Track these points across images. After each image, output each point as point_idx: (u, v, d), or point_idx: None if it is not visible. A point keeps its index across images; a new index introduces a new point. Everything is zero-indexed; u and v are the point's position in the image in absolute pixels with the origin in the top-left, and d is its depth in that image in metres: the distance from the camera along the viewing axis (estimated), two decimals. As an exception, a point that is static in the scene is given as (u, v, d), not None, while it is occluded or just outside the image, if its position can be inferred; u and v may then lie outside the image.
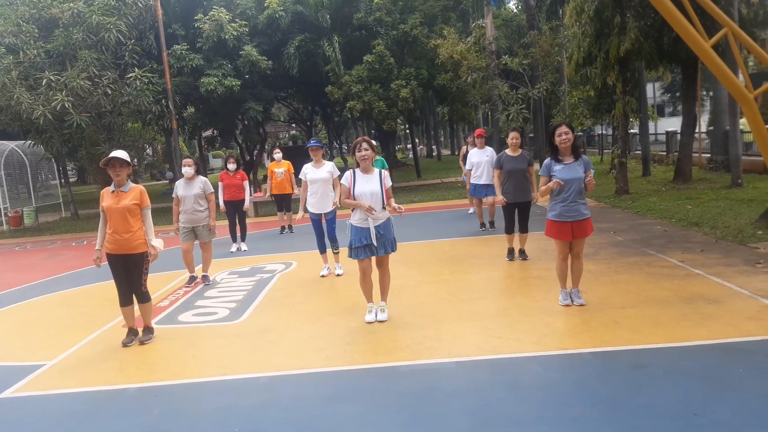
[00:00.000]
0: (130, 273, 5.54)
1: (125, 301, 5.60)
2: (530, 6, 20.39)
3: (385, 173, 5.69)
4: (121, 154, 5.47)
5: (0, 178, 18.51)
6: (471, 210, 12.20)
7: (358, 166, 5.65)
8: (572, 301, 5.71)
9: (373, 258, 5.66)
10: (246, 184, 10.43)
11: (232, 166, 10.33)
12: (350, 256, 5.66)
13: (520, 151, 7.85)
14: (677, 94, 41.38)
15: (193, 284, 7.88)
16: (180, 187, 7.85)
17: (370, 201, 5.48)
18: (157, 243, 5.60)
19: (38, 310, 7.45)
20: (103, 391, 4.58)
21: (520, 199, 7.76)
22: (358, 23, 18.59)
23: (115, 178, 5.46)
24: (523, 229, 7.89)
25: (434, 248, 9.21)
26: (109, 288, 8.18)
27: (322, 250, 7.98)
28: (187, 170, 7.83)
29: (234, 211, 10.33)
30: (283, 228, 12.10)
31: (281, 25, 18.61)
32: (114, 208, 5.42)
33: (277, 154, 11.90)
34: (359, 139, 5.73)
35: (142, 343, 5.59)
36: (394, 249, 5.68)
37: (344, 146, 41.24)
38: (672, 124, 30.97)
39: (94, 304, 7.41)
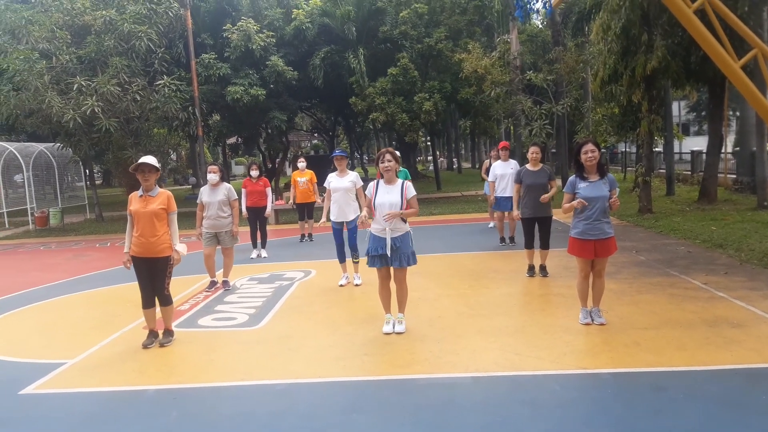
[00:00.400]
0: (154, 276, 5.63)
1: (148, 303, 5.68)
2: (556, 22, 20.34)
3: (408, 184, 5.71)
4: (150, 159, 5.57)
5: (28, 178, 18.91)
6: (491, 224, 12.16)
7: (381, 177, 5.70)
8: (593, 320, 5.65)
9: (391, 268, 5.68)
10: (268, 191, 10.54)
11: (255, 173, 10.45)
12: (368, 264, 5.71)
13: (541, 165, 7.82)
14: (703, 113, 40.90)
15: (213, 289, 7.96)
16: (205, 194, 7.95)
17: (388, 211, 5.51)
18: (181, 248, 5.69)
19: (61, 309, 7.58)
20: (123, 391, 4.64)
21: (540, 214, 7.72)
22: (383, 36, 18.76)
23: (143, 183, 5.56)
24: (545, 246, 7.83)
25: (454, 261, 9.19)
26: (131, 289, 8.32)
27: (342, 260, 8.02)
28: (213, 177, 7.93)
29: (255, 217, 10.43)
30: (303, 236, 12.17)
31: (307, 37, 18.85)
32: (141, 212, 5.52)
33: (301, 163, 12.00)
34: (383, 150, 5.77)
35: (162, 345, 5.66)
36: (411, 263, 5.66)
37: (365, 157, 41.42)
38: (697, 143, 30.62)
39: (116, 305, 7.52)
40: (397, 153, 7.15)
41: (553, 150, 25.73)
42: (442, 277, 8.16)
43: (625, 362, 4.65)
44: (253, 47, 17.48)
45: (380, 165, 5.64)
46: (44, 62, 15.43)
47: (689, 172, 21.16)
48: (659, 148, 22.07)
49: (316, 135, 44.55)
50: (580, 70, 18.02)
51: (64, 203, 21.42)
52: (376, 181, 5.75)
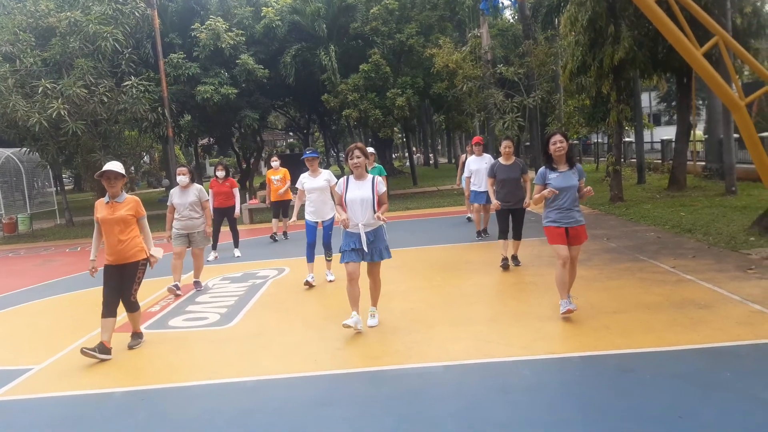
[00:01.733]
0: (123, 282, 5.50)
1: (110, 312, 5.40)
2: (526, 16, 20.51)
3: (379, 179, 5.64)
4: (115, 166, 5.45)
5: (-5, 185, 18.49)
6: (470, 215, 12.21)
7: (351, 172, 5.68)
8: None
9: (365, 264, 5.64)
10: (236, 191, 10.43)
11: (221, 174, 10.34)
12: (341, 260, 5.64)
13: (513, 159, 7.86)
14: (673, 103, 41.63)
15: (176, 295, 7.73)
16: (175, 195, 7.84)
17: (359, 207, 5.48)
18: (156, 252, 5.61)
19: (29, 316, 7.42)
20: (90, 394, 4.55)
21: (513, 206, 7.78)
22: (354, 32, 18.69)
23: (109, 190, 5.44)
24: (517, 236, 7.88)
25: (428, 254, 9.20)
26: (100, 293, 8.19)
27: (310, 259, 7.79)
28: (182, 179, 7.83)
29: (221, 218, 10.33)
30: (274, 234, 12.05)
31: (278, 35, 18.70)
32: (109, 219, 5.40)
33: (275, 162, 11.94)
34: (352, 146, 5.72)
35: (131, 347, 5.57)
36: (385, 256, 5.64)
37: (341, 154, 41.30)
38: (668, 132, 31.11)
39: (83, 309, 7.38)
40: (370, 149, 7.08)
41: (527, 143, 25.94)
42: (416, 269, 8.17)
43: (593, 346, 4.69)
44: (223, 46, 17.29)
45: (350, 161, 5.59)
46: (8, 65, 15.11)
47: (660, 161, 21.50)
48: (630, 138, 22.37)
49: (291, 134, 44.31)
50: (550, 63, 18.20)
51: (34, 209, 21.00)
52: (345, 177, 5.71)
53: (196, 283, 7.94)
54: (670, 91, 38.57)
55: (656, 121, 40.43)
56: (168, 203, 7.95)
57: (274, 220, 12.17)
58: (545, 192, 5.54)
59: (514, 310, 5.91)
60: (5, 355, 5.78)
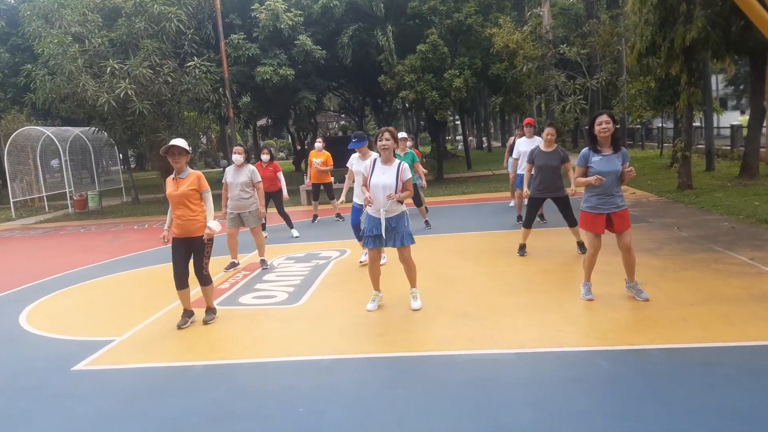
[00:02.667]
0: (192, 256, 5.71)
1: (181, 285, 5.71)
2: (589, -6, 19.84)
3: (404, 165, 5.62)
4: (180, 142, 5.62)
5: (65, 162, 19.32)
6: (511, 203, 12.01)
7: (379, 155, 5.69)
8: (636, 295, 5.56)
9: (394, 249, 5.68)
10: (280, 175, 10.53)
11: (265, 158, 10.41)
12: (363, 244, 5.71)
13: (555, 146, 7.65)
14: (741, 87, 39.63)
15: (233, 270, 8.05)
16: (229, 174, 8.05)
17: (382, 192, 5.50)
18: (213, 225, 5.71)
19: (104, 289, 7.76)
20: (171, 367, 4.74)
21: (552, 194, 7.62)
22: (411, 12, 18.47)
23: (174, 166, 5.62)
24: (572, 223, 7.66)
25: (488, 239, 9.12)
26: (169, 270, 8.49)
27: (360, 239, 7.92)
28: (238, 158, 8.03)
29: (267, 202, 10.47)
30: (315, 217, 12.22)
31: (335, 15, 18.69)
32: (174, 195, 5.61)
33: (318, 143, 12.05)
34: (383, 129, 5.72)
35: (206, 323, 5.76)
36: (407, 242, 5.65)
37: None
38: (734, 118, 29.69)
39: (157, 284, 7.66)
40: (403, 134, 6.93)
41: (587, 127, 25.22)
42: (479, 254, 8.11)
43: (672, 338, 4.56)
44: (282, 26, 17.42)
45: (378, 143, 5.58)
46: (77, 46, 15.64)
47: (728, 147, 20.55)
48: (697, 123, 21.45)
49: (343, 116, 44.49)
50: (614, 44, 17.54)
51: (100, 187, 21.86)
52: (373, 159, 5.69)
53: (263, 261, 8.13)
54: (738, 75, 36.69)
55: (723, 105, 38.59)
56: (222, 181, 8.16)
57: (314, 202, 12.33)
58: (592, 179, 5.35)
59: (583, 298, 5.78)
60: (86, 326, 6.08)
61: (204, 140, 44.34)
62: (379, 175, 5.56)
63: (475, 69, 17.66)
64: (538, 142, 9.81)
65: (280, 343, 5.08)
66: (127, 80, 15.26)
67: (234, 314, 6.05)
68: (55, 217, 17.61)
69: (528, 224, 7.76)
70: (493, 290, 6.28)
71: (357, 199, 7.78)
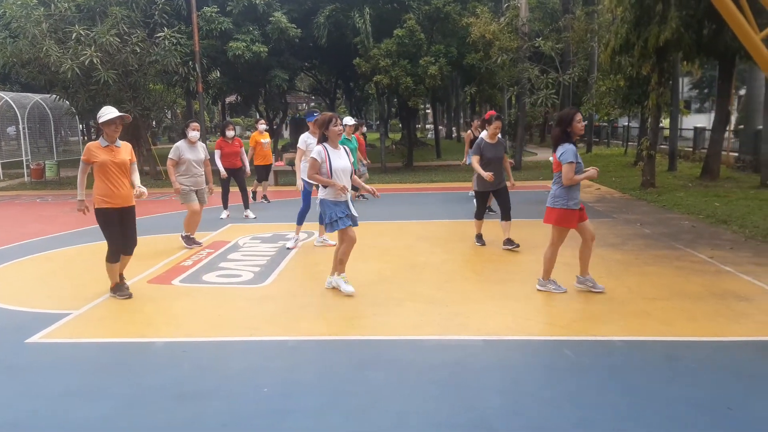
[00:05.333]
0: (128, 224, 5.69)
1: (126, 252, 5.74)
2: (566, -11, 19.95)
3: (348, 149, 5.79)
4: (117, 111, 5.54)
5: (23, 130, 18.60)
6: (471, 193, 12.07)
7: (324, 140, 5.59)
8: (593, 287, 5.65)
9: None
10: (242, 150, 10.35)
11: (230, 134, 10.19)
12: (333, 229, 5.57)
13: (498, 138, 7.63)
14: (705, 90, 40.68)
15: (198, 247, 7.95)
16: (186, 150, 7.82)
17: (344, 176, 5.56)
18: (144, 189, 5.77)
19: (62, 261, 7.51)
20: (132, 342, 4.61)
21: (501, 186, 7.61)
22: (390, -4, 18.31)
23: (113, 135, 5.51)
24: (508, 217, 7.62)
25: (458, 228, 9.15)
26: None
27: (301, 222, 7.94)
28: (196, 134, 7.93)
29: (231, 179, 10.32)
30: (265, 197, 12.20)
31: (312, -7, 18.42)
32: (115, 162, 5.52)
33: (262, 125, 11.89)
34: (332, 114, 5.67)
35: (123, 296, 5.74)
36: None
37: (364, 122, 40.98)
38: (698, 120, 30.49)
39: (118, 258, 7.43)
40: (352, 120, 6.89)
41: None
42: (448, 242, 8.13)
43: (636, 331, 4.64)
44: (257, 2, 17.07)
45: (333, 128, 5.54)
46: (42, 9, 15.04)
47: (691, 149, 21.08)
48: (662, 124, 21.91)
49: (314, 97, 44.02)
50: (588, 40, 17.74)
51: (59, 157, 21.16)
52: (323, 145, 5.57)
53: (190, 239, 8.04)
54: (703, 78, 37.62)
55: (687, 107, 39.54)
56: (172, 156, 7.86)
57: (264, 183, 12.22)
58: (593, 172, 5.43)
59: (551, 289, 5.85)
60: (42, 298, 5.86)
61: (169, 115, 43.30)
62: (337, 160, 5.56)
63: (450, 57, 17.63)
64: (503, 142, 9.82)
65: (245, 323, 4.99)
66: (92, 48, 14.73)
67: (197, 292, 5.92)
68: (10, 185, 16.99)
69: (481, 216, 7.92)
70: (462, 278, 6.30)
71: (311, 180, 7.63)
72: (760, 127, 14.75)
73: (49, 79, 16.48)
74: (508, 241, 7.55)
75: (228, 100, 26.07)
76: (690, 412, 3.37)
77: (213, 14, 17.10)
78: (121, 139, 5.68)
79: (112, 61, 15.33)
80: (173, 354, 4.36)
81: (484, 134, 9.89)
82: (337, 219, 5.52)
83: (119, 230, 5.60)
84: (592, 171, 5.46)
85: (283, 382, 3.84)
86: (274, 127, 25.35)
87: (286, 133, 32.15)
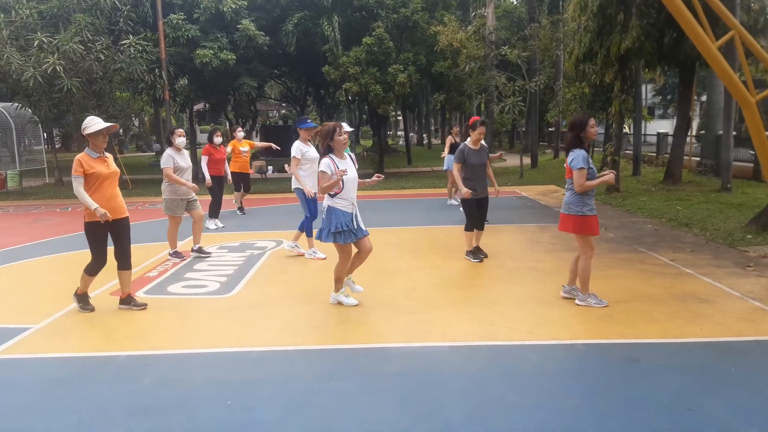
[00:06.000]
0: (123, 237, 5.53)
1: (125, 266, 5.61)
2: (532, -2, 20.29)
3: (353, 156, 5.76)
4: (102, 121, 5.40)
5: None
6: (450, 201, 12.18)
7: (330, 151, 5.37)
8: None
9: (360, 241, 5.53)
10: (226, 158, 10.24)
11: (218, 140, 10.04)
12: (333, 240, 5.33)
13: (481, 144, 7.41)
14: (668, 97, 41.71)
15: (180, 259, 7.76)
16: (178, 158, 7.67)
17: (353, 186, 5.41)
18: None
19: (23, 274, 7.32)
20: (93, 357, 4.50)
21: (484, 195, 7.38)
22: (358, 4, 18.34)
23: (102, 145, 5.37)
24: (482, 226, 7.46)
25: (426, 234, 9.19)
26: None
27: (311, 233, 7.65)
28: (182, 140, 7.74)
29: (220, 187, 10.18)
30: (241, 208, 11.82)
31: (280, 1, 18.35)
32: (107, 173, 5.36)
33: (240, 133, 11.48)
34: (335, 123, 5.51)
35: (134, 307, 5.61)
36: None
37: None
38: (661, 126, 31.25)
39: (79, 270, 7.24)
40: (348, 128, 6.92)
41: (523, 129, 25.86)
42: (416, 249, 8.15)
43: (598, 334, 4.72)
44: (224, 9, 16.92)
45: (337, 138, 5.33)
46: (2, 16, 14.71)
47: (654, 154, 21.57)
48: (626, 129, 22.37)
49: (284, 104, 43.81)
50: (554, 48, 18.05)
51: (22, 166, 20.64)
52: (329, 156, 5.36)
53: (178, 254, 7.90)
54: (666, 85, 38.59)
55: (650, 113, 40.46)
56: (169, 165, 7.59)
57: (238, 193, 11.69)
58: (610, 177, 5.36)
59: (516, 294, 5.92)
60: (1, 313, 5.69)
61: (137, 123, 42.66)
62: (346, 170, 5.34)
63: (419, 65, 17.75)
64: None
65: (210, 334, 4.92)
66: (55, 55, 14.43)
67: (162, 303, 5.82)
68: (-30, 196, 16.50)
69: (471, 227, 7.41)
70: (430, 284, 6.32)
71: (314, 189, 7.46)
72: (721, 132, 15.16)
73: (11, 87, 16.09)
74: (479, 250, 7.42)
75: (196, 107, 25.74)
76: (650, 414, 3.43)
77: (179, 21, 16.90)
78: (86, 146, 5.50)
79: (75, 68, 15.04)
80: (134, 368, 4.27)
81: (471, 151, 9.82)
82: (342, 231, 5.27)
83: (106, 245, 5.45)
84: (608, 176, 5.32)
85: (246, 394, 3.79)
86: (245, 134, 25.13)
87: (256, 141, 31.92)
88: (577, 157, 5.28)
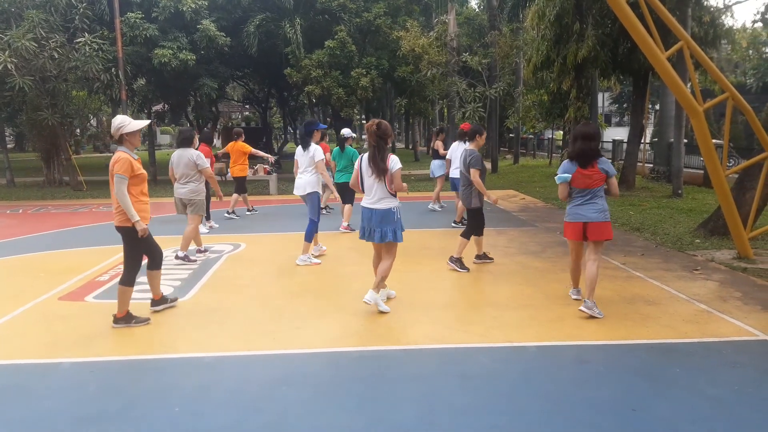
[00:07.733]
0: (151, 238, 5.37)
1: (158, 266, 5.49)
2: (492, 6, 20.59)
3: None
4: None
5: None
6: (432, 205, 11.93)
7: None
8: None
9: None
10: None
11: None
12: (401, 239, 5.69)
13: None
14: (624, 105, 42.94)
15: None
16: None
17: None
18: None
19: (-34, 278, 7.03)
20: (36, 364, 4.36)
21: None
22: (321, 7, 18.36)
23: (138, 143, 5.15)
24: (468, 235, 7.36)
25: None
26: (44, 259, 7.87)
27: (310, 239, 7.56)
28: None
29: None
30: (233, 211, 11.76)
31: (242, 2, 18.21)
32: (144, 174, 5.18)
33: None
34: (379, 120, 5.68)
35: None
36: (390, 238, 5.56)
37: (299, 132, 40.76)
38: (618, 133, 32.11)
39: (28, 274, 7.05)
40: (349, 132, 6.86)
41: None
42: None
43: (549, 336, 4.80)
44: (184, 9, 16.67)
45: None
46: (-51, 11, 14.16)
47: (610, 160, 22.11)
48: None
49: (247, 106, 43.39)
50: (513, 56, 18.38)
51: (-30, 167, 19.88)
52: (361, 156, 5.76)
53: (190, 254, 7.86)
54: (622, 93, 39.74)
55: (607, 121, 41.56)
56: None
57: (244, 195, 11.84)
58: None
59: (472, 297, 5.99)
60: (-60, 318, 5.46)
61: (94, 123, 41.59)
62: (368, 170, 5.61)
63: (381, 69, 17.86)
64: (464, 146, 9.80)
65: (160, 339, 4.82)
66: (6, 52, 13.98)
67: (112, 308, 5.62)
68: None
69: (481, 231, 7.35)
70: (389, 287, 6.30)
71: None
72: (672, 140, 15.66)
73: (-40, 86, 15.51)
74: (457, 260, 7.17)
75: (155, 108, 25.26)
76: (596, 415, 3.51)
77: (137, 20, 16.57)
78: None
79: (28, 66, 14.60)
80: (79, 375, 4.15)
81: (456, 144, 9.79)
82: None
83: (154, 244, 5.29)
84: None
85: (195, 400, 3.73)
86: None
87: (218, 143, 31.49)
88: (606, 163, 5.45)
